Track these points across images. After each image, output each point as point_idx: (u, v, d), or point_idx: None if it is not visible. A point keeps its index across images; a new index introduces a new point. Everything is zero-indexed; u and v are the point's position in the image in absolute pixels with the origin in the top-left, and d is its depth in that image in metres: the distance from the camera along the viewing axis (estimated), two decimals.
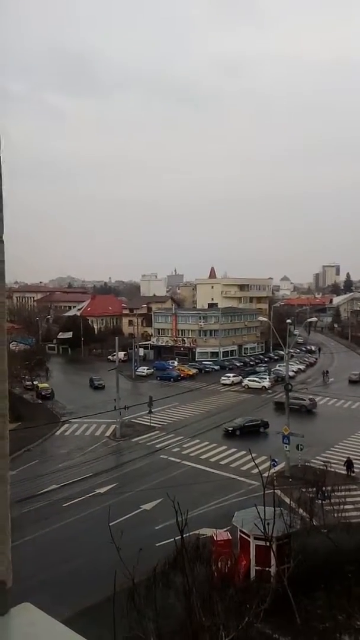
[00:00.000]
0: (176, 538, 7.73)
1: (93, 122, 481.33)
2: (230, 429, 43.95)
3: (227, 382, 67.20)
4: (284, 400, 38.28)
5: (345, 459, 34.05)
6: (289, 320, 64.36)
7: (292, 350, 56.97)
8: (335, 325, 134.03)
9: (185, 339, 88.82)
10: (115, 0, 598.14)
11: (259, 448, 36.75)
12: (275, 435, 35.81)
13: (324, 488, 25.74)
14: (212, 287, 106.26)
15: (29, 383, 64.06)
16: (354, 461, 33.99)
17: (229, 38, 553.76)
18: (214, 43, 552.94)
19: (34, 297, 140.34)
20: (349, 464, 33.31)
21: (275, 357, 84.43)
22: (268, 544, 16.67)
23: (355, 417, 49.78)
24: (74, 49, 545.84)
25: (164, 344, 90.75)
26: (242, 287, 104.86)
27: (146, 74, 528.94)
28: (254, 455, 35.03)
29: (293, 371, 67.68)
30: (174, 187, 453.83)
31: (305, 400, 52.24)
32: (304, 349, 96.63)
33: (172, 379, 70.90)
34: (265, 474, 17.09)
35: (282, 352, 58.49)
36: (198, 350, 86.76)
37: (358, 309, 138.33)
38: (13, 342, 71.47)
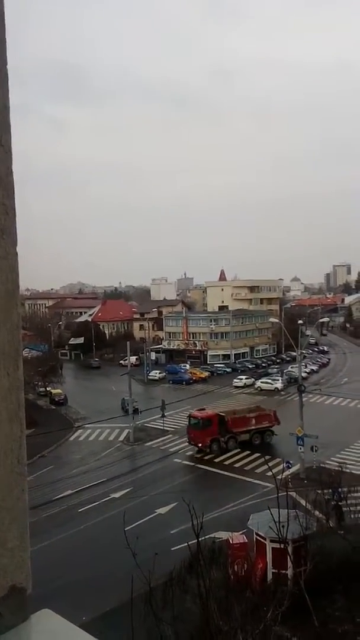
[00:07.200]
0: (191, 542, 7.73)
1: (96, 129, 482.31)
2: None
3: (240, 384, 67.12)
4: None
5: None
6: (300, 321, 64.07)
7: (304, 351, 56.63)
8: (348, 325, 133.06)
9: (196, 342, 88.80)
10: (109, 7, 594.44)
11: (272, 451, 36.62)
12: (289, 437, 35.55)
13: (339, 489, 25.50)
14: (222, 289, 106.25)
15: (42, 389, 64.46)
16: None
17: (225, 42, 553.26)
18: (210, 48, 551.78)
19: (45, 304, 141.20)
20: None
21: (288, 359, 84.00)
22: (284, 546, 16.58)
23: None
24: (67, 58, 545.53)
25: (175, 347, 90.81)
26: (252, 288, 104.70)
27: (144, 81, 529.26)
28: (267, 457, 35.11)
29: (306, 372, 67.35)
30: (182, 191, 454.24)
31: None
32: (316, 349, 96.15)
33: (184, 382, 70.93)
34: (280, 476, 17.00)
35: (294, 353, 58.27)
36: (210, 353, 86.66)
37: None
38: (26, 349, 71.90)
